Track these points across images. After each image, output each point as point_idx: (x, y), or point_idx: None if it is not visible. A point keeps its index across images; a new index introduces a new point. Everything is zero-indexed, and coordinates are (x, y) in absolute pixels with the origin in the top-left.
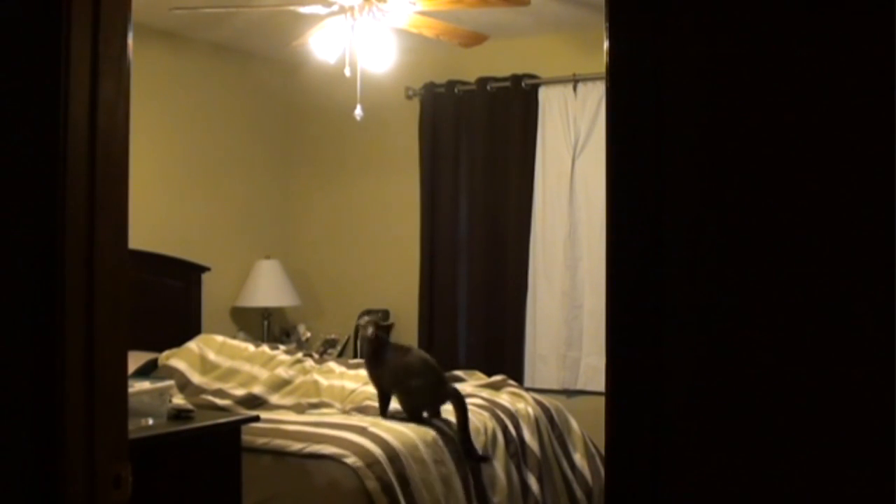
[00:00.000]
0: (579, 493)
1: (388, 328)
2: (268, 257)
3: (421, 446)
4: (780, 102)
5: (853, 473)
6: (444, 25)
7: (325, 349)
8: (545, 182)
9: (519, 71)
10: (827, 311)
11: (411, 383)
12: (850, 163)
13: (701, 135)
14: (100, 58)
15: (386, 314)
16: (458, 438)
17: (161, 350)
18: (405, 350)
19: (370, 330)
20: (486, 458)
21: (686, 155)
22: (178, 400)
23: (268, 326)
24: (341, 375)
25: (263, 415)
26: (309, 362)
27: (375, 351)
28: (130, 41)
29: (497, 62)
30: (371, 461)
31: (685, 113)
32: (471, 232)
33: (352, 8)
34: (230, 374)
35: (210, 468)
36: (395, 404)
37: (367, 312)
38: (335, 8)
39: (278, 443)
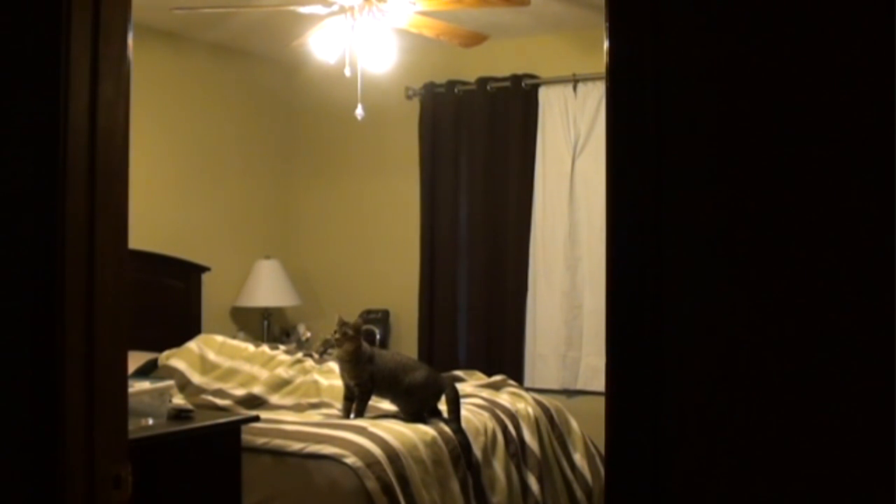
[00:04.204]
0: (579, 493)
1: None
2: (268, 257)
3: (420, 447)
4: (780, 102)
5: (853, 473)
6: (444, 25)
7: (325, 349)
8: (545, 182)
9: (519, 71)
10: (828, 310)
11: (412, 378)
12: (851, 160)
13: (701, 134)
14: (100, 58)
15: (386, 314)
16: (452, 428)
17: (161, 350)
18: (385, 351)
19: (349, 332)
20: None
21: (686, 154)
22: (178, 400)
23: (268, 326)
24: (341, 375)
25: (263, 415)
26: (309, 362)
27: (357, 349)
28: (130, 41)
29: (497, 62)
30: (371, 461)
31: (685, 113)
32: (471, 232)
33: (352, 8)
34: (230, 374)
35: (210, 468)
36: (385, 405)
37: (368, 312)
38: (335, 8)
39: (278, 443)
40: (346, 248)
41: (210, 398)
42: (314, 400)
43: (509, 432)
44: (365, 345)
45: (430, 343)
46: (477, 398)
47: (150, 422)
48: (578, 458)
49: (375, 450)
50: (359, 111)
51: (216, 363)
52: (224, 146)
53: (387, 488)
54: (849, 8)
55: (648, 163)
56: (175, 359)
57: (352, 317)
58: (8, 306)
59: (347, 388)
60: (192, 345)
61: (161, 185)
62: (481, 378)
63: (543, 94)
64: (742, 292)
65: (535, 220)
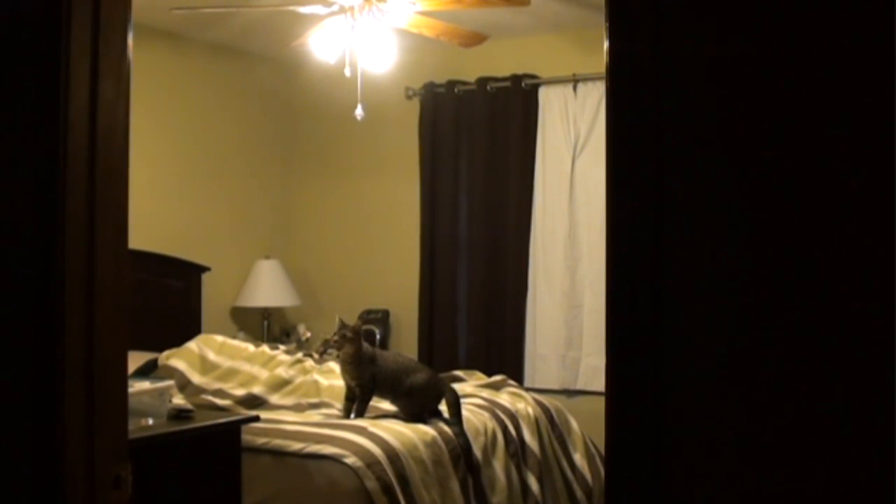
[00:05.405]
0: (579, 493)
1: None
2: (268, 257)
3: (420, 447)
4: (780, 101)
5: (854, 473)
6: (444, 25)
7: (325, 349)
8: (545, 182)
9: (519, 71)
10: (829, 310)
11: (414, 380)
12: (851, 160)
13: (701, 134)
14: (100, 58)
15: (386, 314)
16: (454, 431)
17: (161, 350)
18: (386, 352)
19: (346, 334)
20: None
21: (686, 155)
22: (178, 400)
23: (268, 326)
24: (341, 375)
25: (263, 415)
26: (309, 362)
27: (357, 350)
28: (130, 41)
29: (497, 62)
30: (371, 461)
31: (685, 113)
32: (471, 232)
33: (352, 8)
34: (230, 374)
35: (210, 468)
36: (385, 405)
37: (368, 312)
38: (335, 8)
39: (278, 443)
40: (346, 248)
41: (210, 398)
42: (314, 400)
43: (509, 432)
44: (366, 345)
45: (430, 343)
46: (477, 398)
47: (150, 422)
48: (578, 458)
49: (375, 450)
50: (358, 111)
51: (216, 363)
52: (224, 146)
53: (387, 488)
54: (849, 7)
55: (648, 163)
56: (175, 359)
57: (352, 317)
58: (8, 306)
59: (349, 388)
60: (192, 345)
61: (161, 185)
62: (481, 378)
63: (543, 94)
64: (742, 292)
65: (535, 220)
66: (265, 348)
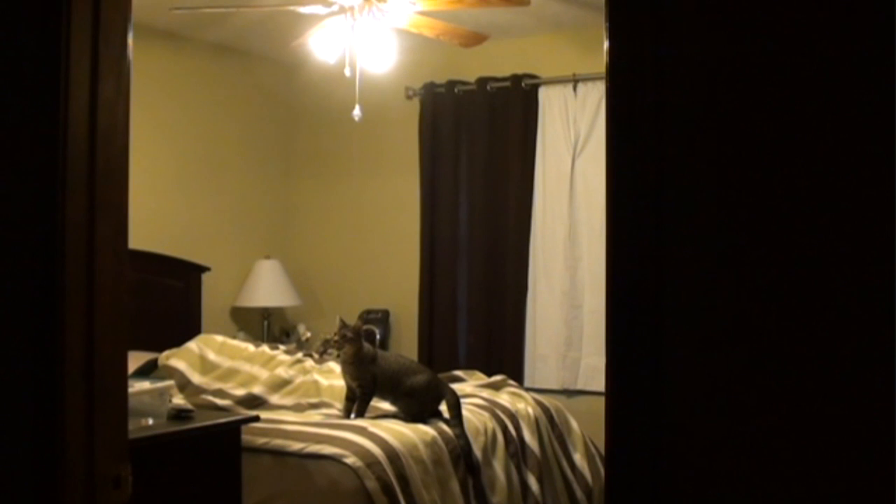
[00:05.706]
0: (579, 493)
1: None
2: (268, 257)
3: (420, 446)
4: (780, 101)
5: (854, 474)
6: (444, 25)
7: (325, 349)
8: (545, 182)
9: (519, 71)
10: (829, 310)
11: (414, 381)
12: (851, 162)
13: (701, 134)
14: (100, 58)
15: (386, 314)
16: (455, 433)
17: (161, 350)
18: (387, 353)
19: (347, 335)
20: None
21: (686, 155)
22: (178, 400)
23: (268, 326)
24: (341, 375)
25: (263, 415)
26: (309, 362)
27: (358, 350)
28: (130, 41)
29: (497, 62)
30: (371, 461)
31: (685, 113)
32: (471, 232)
33: (352, 8)
34: (230, 374)
35: (210, 468)
36: (385, 406)
37: (368, 312)
38: (335, 8)
39: (278, 443)
40: (346, 248)
41: (210, 398)
42: (314, 400)
43: (509, 432)
44: (367, 346)
45: (430, 343)
46: (477, 398)
47: (150, 422)
48: (578, 458)
49: (375, 450)
50: (356, 112)
51: (216, 363)
52: (224, 146)
53: (387, 488)
54: (850, 7)
55: (648, 163)
56: (175, 359)
57: (352, 317)
58: (8, 306)
59: (349, 388)
60: (192, 345)
61: (161, 185)
62: (481, 378)
63: (543, 94)
64: (742, 292)
65: (535, 219)
66: (265, 348)
